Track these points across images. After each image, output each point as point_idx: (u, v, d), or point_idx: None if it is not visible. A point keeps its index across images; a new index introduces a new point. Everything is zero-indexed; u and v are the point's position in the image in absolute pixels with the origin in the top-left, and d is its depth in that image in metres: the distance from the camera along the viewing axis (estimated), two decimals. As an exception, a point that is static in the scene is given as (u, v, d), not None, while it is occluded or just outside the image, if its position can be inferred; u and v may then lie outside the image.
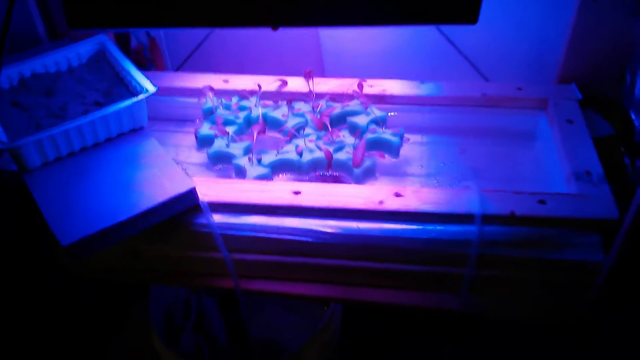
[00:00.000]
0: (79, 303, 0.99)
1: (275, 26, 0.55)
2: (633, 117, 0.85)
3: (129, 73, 0.82)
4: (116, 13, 0.52)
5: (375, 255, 0.76)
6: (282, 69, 0.99)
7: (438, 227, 0.74)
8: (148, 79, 0.81)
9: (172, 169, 0.76)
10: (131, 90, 0.82)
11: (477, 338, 1.00)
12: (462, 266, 0.75)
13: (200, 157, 0.90)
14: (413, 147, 0.91)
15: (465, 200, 0.75)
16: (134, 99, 0.77)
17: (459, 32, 1.05)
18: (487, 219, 0.73)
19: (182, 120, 0.97)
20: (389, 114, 0.91)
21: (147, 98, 0.80)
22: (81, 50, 0.88)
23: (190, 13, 0.52)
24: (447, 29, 1.05)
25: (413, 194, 0.76)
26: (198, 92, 0.94)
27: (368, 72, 0.99)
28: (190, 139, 0.93)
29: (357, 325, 1.06)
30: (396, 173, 0.87)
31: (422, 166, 0.89)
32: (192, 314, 1.07)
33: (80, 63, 0.88)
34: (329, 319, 0.98)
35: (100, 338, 1.01)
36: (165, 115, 0.97)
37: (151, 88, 0.79)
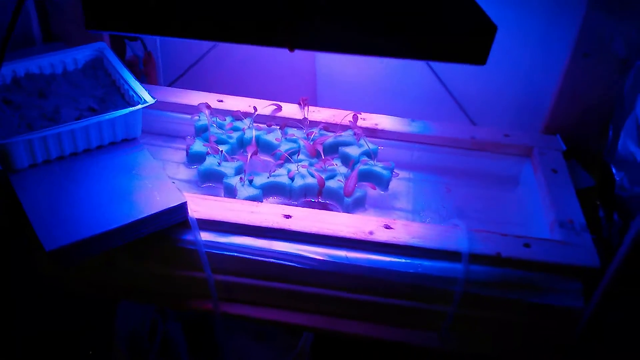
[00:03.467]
0: (43, 313, 0.94)
1: (292, 48, 0.55)
2: (614, 171, 0.88)
3: (126, 82, 0.81)
4: (137, 19, 0.52)
5: (361, 286, 0.76)
6: (275, 95, 0.99)
7: (425, 263, 0.75)
8: (146, 90, 0.80)
9: (163, 182, 0.74)
10: (127, 99, 0.81)
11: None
12: (445, 303, 0.75)
13: (188, 173, 0.89)
14: (400, 183, 0.92)
15: (454, 237, 0.76)
16: (132, 108, 0.76)
17: (450, 73, 1.08)
18: (474, 258, 0.74)
19: (172, 136, 0.96)
20: (379, 147, 0.92)
21: (140, 110, 0.79)
22: (78, 56, 0.87)
23: (213, 26, 0.52)
24: (440, 69, 1.07)
25: (403, 227, 0.77)
26: (191, 109, 0.94)
27: (359, 105, 1.00)
28: (179, 155, 0.92)
29: (328, 358, 1.05)
30: (384, 206, 0.88)
31: (409, 201, 0.89)
32: (157, 338, 1.04)
33: (76, 68, 0.87)
34: (299, 351, 0.97)
35: (61, 353, 0.97)
36: (156, 130, 0.96)
37: (149, 99, 0.78)
